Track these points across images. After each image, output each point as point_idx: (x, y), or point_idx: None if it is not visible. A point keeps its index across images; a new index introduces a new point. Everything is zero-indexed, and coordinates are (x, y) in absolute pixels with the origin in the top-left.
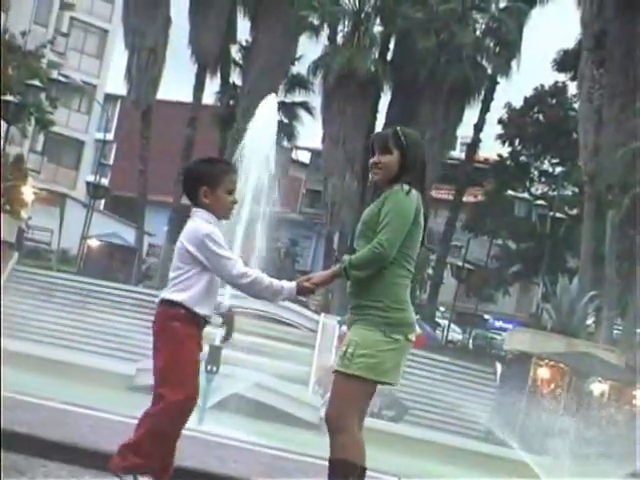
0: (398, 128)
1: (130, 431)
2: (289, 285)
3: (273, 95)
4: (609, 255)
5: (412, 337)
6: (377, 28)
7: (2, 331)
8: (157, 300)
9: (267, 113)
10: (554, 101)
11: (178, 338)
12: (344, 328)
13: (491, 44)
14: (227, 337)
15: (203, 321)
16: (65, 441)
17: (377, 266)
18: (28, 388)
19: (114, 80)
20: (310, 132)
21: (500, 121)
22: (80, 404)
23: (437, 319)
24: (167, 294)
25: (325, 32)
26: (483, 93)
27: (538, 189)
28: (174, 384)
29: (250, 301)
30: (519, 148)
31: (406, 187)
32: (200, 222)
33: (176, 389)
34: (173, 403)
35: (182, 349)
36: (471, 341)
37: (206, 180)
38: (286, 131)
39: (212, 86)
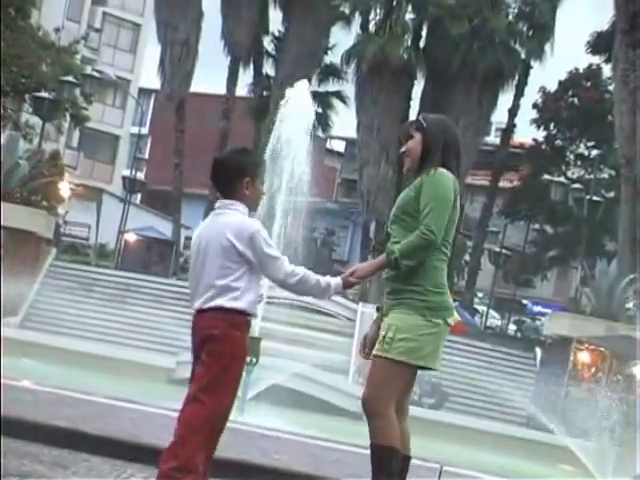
0: (421, 115)
1: (171, 424)
2: (336, 281)
3: (305, 81)
4: None
5: (451, 321)
6: (409, 15)
7: (40, 327)
8: (208, 305)
9: (300, 100)
10: (589, 84)
11: (237, 349)
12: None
13: (524, 28)
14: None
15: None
16: (107, 435)
17: (427, 253)
18: (69, 383)
19: (148, 74)
20: (345, 121)
21: (535, 105)
22: (121, 398)
23: (475, 305)
24: (226, 302)
25: (357, 21)
26: (517, 78)
27: (574, 173)
28: (221, 394)
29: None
30: (554, 132)
31: (441, 169)
32: (242, 216)
33: (221, 399)
34: (217, 414)
35: (238, 361)
36: (518, 332)
37: (248, 171)
38: (321, 121)
39: (245, 78)
